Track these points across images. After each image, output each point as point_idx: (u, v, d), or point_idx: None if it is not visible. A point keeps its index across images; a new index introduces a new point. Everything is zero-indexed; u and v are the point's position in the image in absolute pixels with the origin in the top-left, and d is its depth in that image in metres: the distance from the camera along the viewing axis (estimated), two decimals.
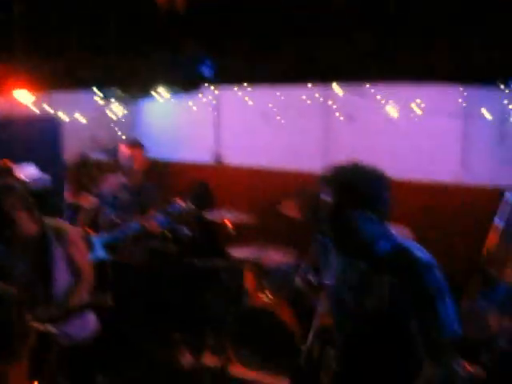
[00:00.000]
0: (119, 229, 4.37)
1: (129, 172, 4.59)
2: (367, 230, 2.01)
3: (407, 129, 5.17)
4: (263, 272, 4.56)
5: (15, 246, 2.96)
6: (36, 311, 2.61)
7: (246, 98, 5.90)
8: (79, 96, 6.03)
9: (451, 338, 1.94)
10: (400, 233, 4.12)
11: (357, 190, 1.98)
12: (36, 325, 1.58)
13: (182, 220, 4.94)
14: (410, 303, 1.94)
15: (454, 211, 4.92)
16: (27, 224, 2.94)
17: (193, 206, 4.45)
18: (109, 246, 4.36)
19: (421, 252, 2.01)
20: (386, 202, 2.03)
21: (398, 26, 1.76)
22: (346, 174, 2.02)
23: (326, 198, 1.98)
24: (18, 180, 4.59)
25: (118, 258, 4.37)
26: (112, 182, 4.69)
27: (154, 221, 4.36)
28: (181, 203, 4.41)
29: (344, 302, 2.13)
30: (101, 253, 4.31)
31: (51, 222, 3.11)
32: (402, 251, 2.02)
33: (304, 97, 5.58)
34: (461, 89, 4.73)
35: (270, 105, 5.84)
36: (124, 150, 4.57)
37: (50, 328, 1.58)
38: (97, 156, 6.64)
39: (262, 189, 6.02)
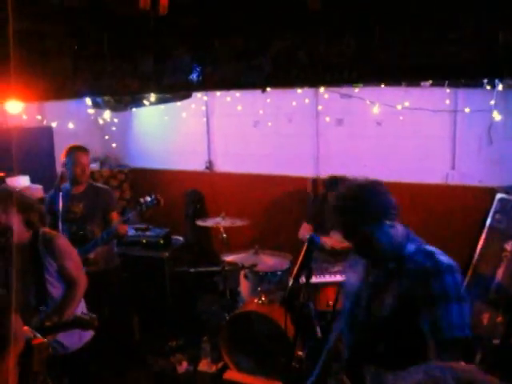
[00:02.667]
0: (89, 242, 4.06)
1: (76, 179, 4.30)
2: (390, 239, 2.09)
3: (395, 131, 5.23)
4: (258, 277, 4.57)
5: (8, 252, 2.93)
6: (29, 320, 2.61)
7: (238, 107, 5.95)
8: (70, 104, 6.06)
9: (460, 340, 1.97)
10: None
11: (366, 208, 2.06)
12: (26, 330, 1.57)
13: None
14: (423, 301, 1.99)
15: (446, 212, 4.96)
16: (20, 230, 2.92)
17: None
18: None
19: (443, 256, 2.08)
20: (394, 205, 2.12)
21: (379, 27, 1.78)
22: (350, 197, 2.09)
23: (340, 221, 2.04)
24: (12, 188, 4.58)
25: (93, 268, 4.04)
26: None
27: (124, 223, 4.14)
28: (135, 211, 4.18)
29: (362, 302, 2.18)
30: None
31: (43, 231, 3.07)
32: (426, 253, 2.09)
33: (293, 102, 5.64)
34: (447, 90, 4.79)
35: (261, 112, 5.88)
36: (74, 156, 4.25)
37: (39, 336, 1.57)
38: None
39: (255, 194, 6.05)
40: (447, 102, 4.86)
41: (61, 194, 4.15)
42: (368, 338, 2.12)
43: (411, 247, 2.12)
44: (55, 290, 3.04)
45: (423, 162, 5.15)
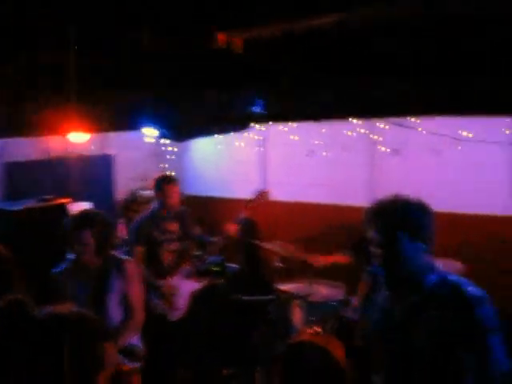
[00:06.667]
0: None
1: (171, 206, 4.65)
2: (417, 261, 2.03)
3: (453, 161, 5.14)
4: (311, 306, 4.53)
5: (77, 276, 3.02)
6: None
7: (293, 137, 6.00)
8: (128, 134, 6.28)
9: (503, 373, 1.92)
10: (451, 266, 4.06)
11: (406, 221, 2.03)
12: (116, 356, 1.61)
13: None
14: (461, 338, 1.92)
15: (505, 244, 4.81)
16: (91, 255, 2.98)
17: None
18: None
19: (470, 286, 2.00)
20: (432, 234, 2.07)
21: (441, 63, 1.80)
22: (393, 206, 2.07)
23: (375, 231, 2.02)
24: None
25: None
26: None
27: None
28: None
29: (391, 339, 2.11)
30: None
31: (114, 255, 3.15)
32: (451, 285, 2.02)
33: (349, 132, 5.64)
34: (507, 119, 4.69)
35: (316, 141, 5.91)
36: (169, 186, 4.61)
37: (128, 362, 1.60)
38: (145, 192, 6.81)
39: (308, 223, 6.04)
40: (507, 132, 4.76)
41: None
42: (404, 376, 2.06)
43: (432, 278, 2.03)
44: (115, 316, 3.06)
45: (482, 193, 5.02)
